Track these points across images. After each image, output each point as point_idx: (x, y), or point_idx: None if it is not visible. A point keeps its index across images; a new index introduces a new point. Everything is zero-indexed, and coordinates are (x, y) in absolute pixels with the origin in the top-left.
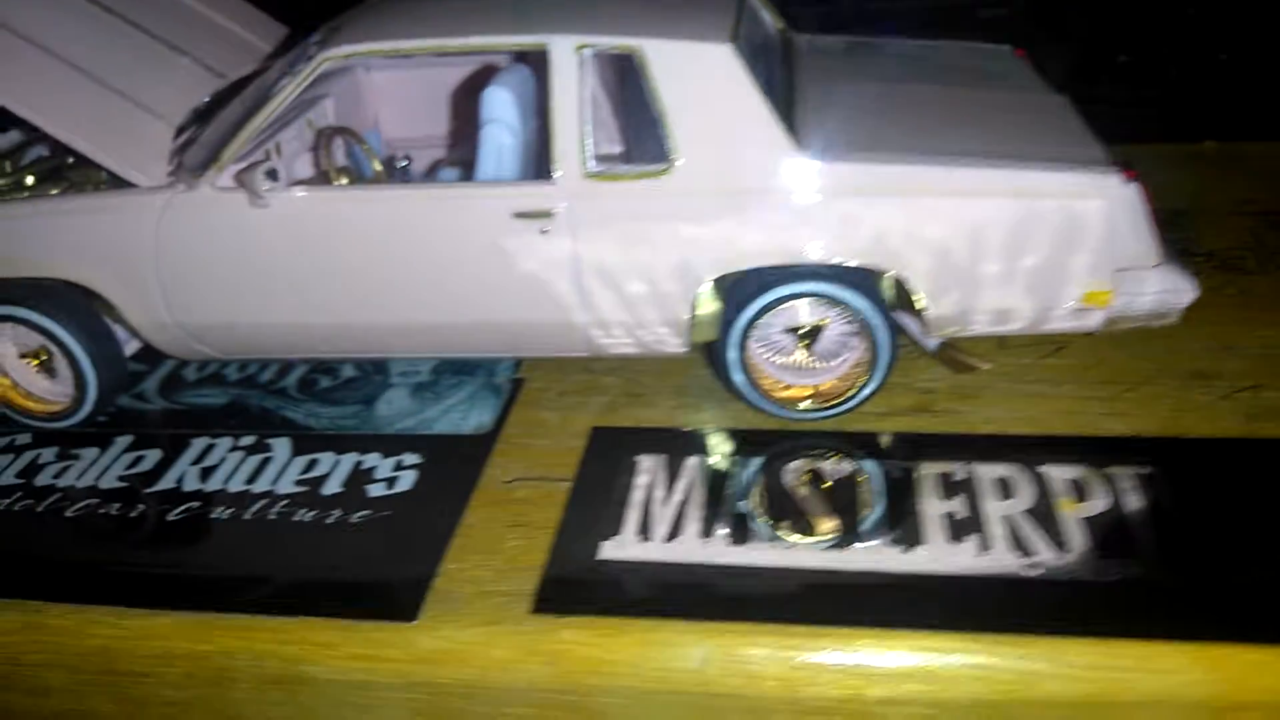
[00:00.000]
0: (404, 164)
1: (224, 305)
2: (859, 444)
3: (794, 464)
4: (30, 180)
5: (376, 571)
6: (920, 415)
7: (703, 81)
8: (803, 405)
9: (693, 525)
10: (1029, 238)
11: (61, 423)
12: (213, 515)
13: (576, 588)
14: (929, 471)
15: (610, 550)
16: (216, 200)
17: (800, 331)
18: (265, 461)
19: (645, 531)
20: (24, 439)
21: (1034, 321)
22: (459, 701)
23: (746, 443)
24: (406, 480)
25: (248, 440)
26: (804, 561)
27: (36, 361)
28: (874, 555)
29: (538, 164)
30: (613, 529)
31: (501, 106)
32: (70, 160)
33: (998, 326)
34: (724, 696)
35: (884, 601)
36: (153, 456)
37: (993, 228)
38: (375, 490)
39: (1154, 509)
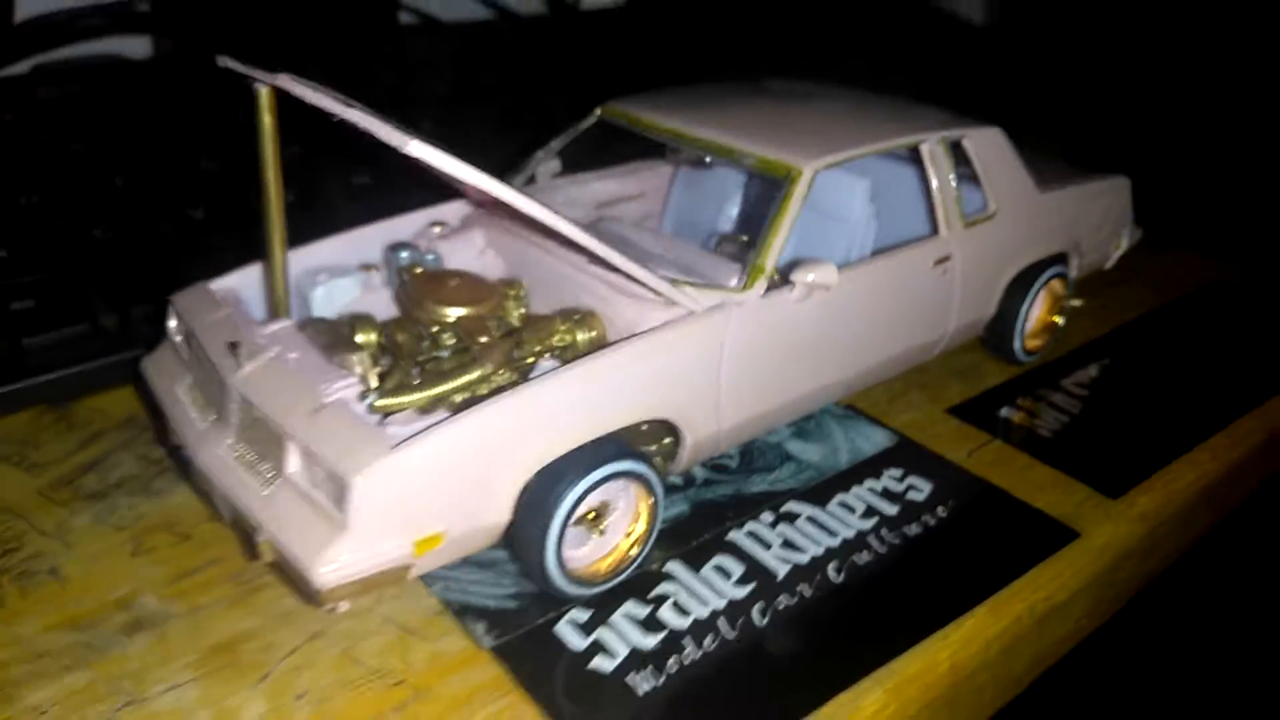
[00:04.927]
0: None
1: (766, 394)
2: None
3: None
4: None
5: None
6: None
7: (998, 152)
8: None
9: None
10: None
11: (621, 576)
12: (870, 557)
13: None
14: None
15: None
16: (766, 303)
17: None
18: (811, 520)
19: None
20: (580, 615)
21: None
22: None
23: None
24: (919, 483)
25: (768, 516)
26: None
27: (597, 525)
28: None
29: (928, 223)
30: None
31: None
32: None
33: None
34: None
35: None
36: (729, 563)
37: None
38: (914, 496)
39: None
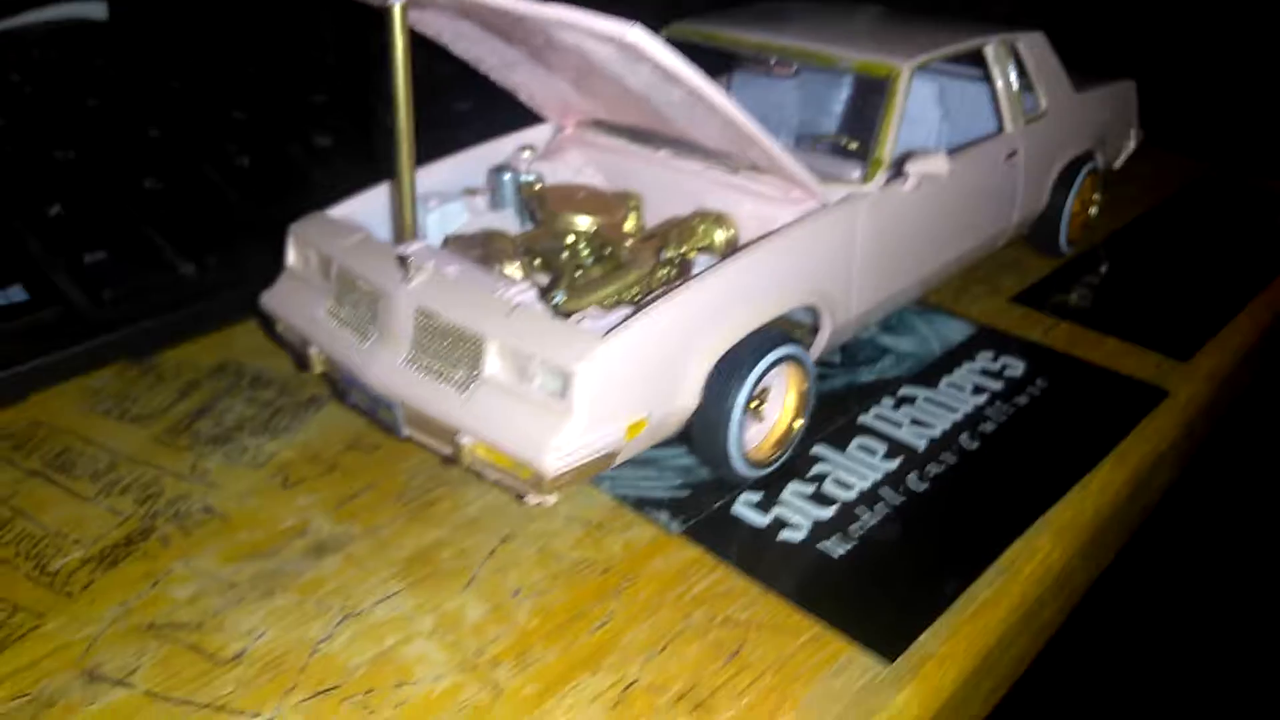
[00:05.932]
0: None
1: (885, 280)
2: None
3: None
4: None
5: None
6: None
7: (1044, 54)
8: None
9: None
10: None
11: (786, 454)
12: (994, 426)
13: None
14: None
15: None
16: (885, 193)
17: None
18: (929, 400)
19: None
20: (752, 497)
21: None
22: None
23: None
24: (1013, 362)
25: (889, 401)
26: None
27: (756, 411)
28: None
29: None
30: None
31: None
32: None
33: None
34: None
35: None
36: (870, 443)
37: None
38: (1011, 373)
39: None
